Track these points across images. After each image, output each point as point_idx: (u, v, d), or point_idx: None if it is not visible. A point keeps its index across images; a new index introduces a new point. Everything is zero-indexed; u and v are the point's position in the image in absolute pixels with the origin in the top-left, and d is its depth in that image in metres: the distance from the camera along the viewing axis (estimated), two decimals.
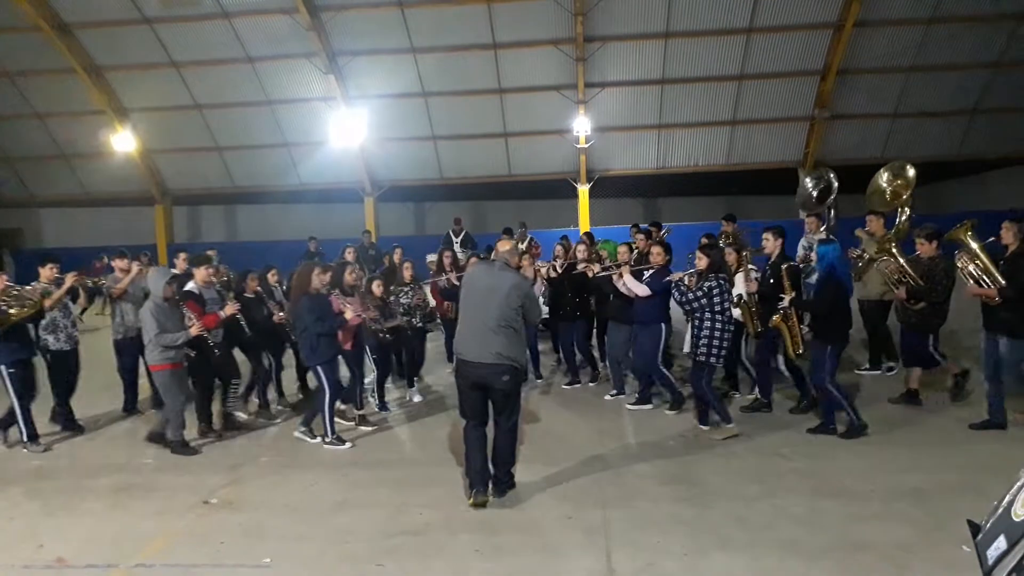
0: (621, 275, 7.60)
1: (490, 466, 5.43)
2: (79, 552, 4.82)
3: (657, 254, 7.54)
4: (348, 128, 18.36)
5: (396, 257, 10.42)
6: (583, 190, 20.48)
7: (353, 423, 7.52)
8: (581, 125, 18.93)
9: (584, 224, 20.10)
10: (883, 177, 8.94)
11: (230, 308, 7.20)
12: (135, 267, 8.15)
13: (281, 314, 7.91)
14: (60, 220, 24.11)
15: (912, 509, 4.97)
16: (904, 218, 8.43)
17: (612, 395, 8.24)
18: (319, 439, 6.89)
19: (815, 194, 10.19)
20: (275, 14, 17.53)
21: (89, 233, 22.43)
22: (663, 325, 7.45)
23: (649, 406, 7.70)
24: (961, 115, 19.32)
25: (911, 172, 8.73)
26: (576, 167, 20.32)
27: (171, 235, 22.10)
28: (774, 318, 6.87)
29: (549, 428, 7.22)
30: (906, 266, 7.44)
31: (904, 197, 8.59)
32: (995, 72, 18.34)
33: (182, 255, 8.93)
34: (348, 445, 6.84)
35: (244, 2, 17.35)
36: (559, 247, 9.71)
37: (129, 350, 7.94)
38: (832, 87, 18.40)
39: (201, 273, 7.45)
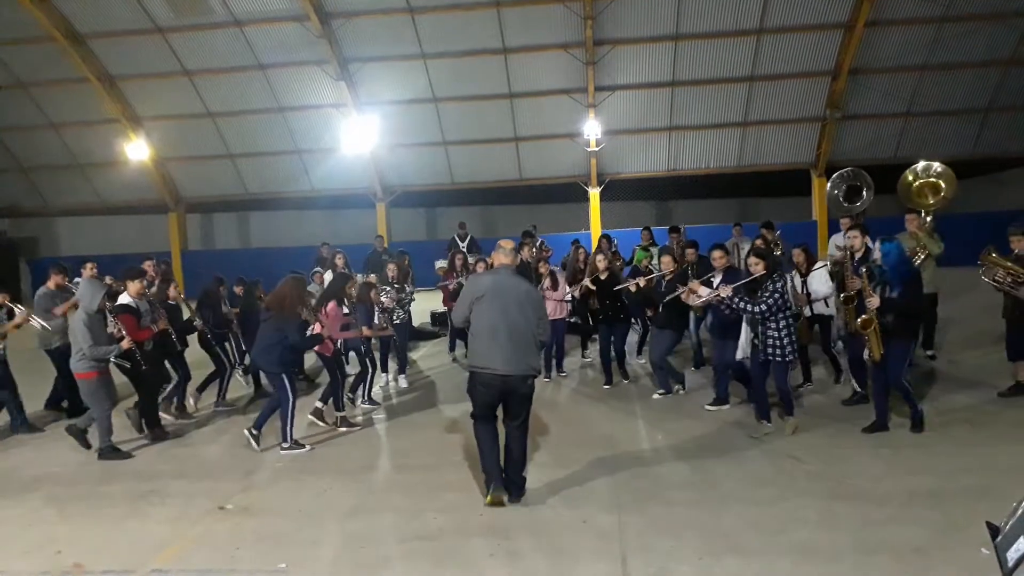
0: (693, 291, 7.41)
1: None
2: (96, 558, 4.85)
3: (719, 258, 7.48)
4: (359, 134, 18.43)
5: (403, 262, 10.62)
6: (594, 193, 20.47)
7: (333, 425, 7.70)
8: (591, 128, 18.89)
9: (595, 227, 20.09)
10: (908, 177, 9.49)
11: (162, 323, 7.49)
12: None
13: (198, 322, 8.32)
14: (75, 229, 24.27)
15: (928, 511, 4.92)
16: (929, 218, 8.75)
17: (660, 394, 8.35)
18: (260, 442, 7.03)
19: (841, 196, 10.33)
20: (286, 22, 17.64)
21: (104, 241, 22.58)
22: (742, 322, 7.43)
23: (727, 406, 7.65)
24: (975, 114, 19.17)
25: (935, 167, 9.45)
26: (587, 170, 20.31)
27: (185, 242, 22.23)
28: (863, 317, 6.51)
29: (562, 431, 7.22)
30: (1014, 267, 7.19)
31: (933, 198, 8.83)
32: (1008, 70, 18.20)
33: (89, 265, 9.03)
34: (308, 448, 6.98)
35: (255, 10, 17.47)
36: (581, 251, 10.27)
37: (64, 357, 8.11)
38: (844, 87, 18.29)
39: (135, 286, 7.38)
